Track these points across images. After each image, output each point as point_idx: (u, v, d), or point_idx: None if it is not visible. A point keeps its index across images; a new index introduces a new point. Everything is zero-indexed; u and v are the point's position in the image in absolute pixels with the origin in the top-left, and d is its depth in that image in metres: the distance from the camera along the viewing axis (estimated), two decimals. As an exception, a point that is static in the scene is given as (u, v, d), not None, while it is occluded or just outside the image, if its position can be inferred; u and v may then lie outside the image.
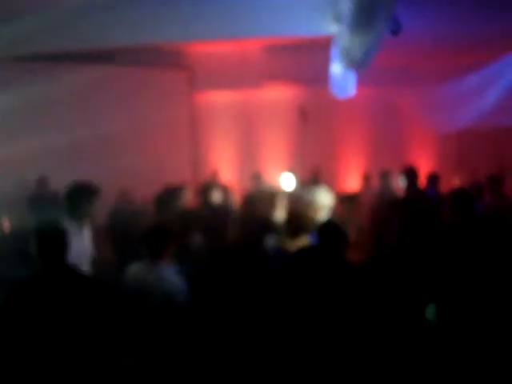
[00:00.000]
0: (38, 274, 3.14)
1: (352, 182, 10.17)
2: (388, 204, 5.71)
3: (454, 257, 3.94)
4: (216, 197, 5.98)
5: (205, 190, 6.03)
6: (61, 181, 7.30)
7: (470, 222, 4.47)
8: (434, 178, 7.04)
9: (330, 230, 3.56)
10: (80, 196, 4.27)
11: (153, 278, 3.70)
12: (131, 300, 3.76)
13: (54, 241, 3.18)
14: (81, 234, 4.23)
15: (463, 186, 6.75)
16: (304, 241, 4.02)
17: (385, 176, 7.63)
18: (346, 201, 5.73)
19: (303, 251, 3.68)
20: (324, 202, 4.60)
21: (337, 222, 3.86)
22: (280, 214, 4.70)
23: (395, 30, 5.31)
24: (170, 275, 3.74)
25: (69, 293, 3.10)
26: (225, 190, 6.65)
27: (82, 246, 4.14)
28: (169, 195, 5.48)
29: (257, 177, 8.41)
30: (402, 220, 4.58)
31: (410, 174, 5.93)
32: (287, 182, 8.48)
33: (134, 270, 3.85)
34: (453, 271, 3.75)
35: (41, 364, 2.99)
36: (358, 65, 6.05)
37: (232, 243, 4.48)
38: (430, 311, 3.32)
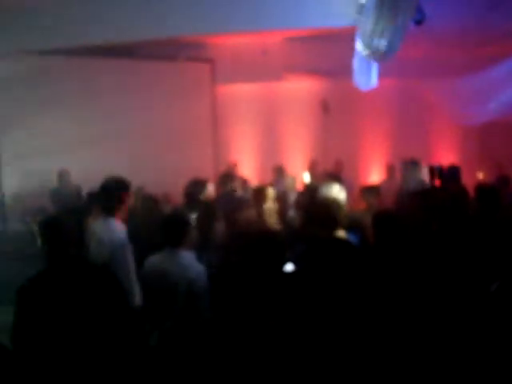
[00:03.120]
0: (46, 268, 3.15)
1: (375, 174, 10.11)
2: (411, 195, 5.65)
3: (477, 250, 3.90)
4: (234, 186, 6.05)
5: (223, 179, 6.10)
6: (81, 174, 7.49)
7: (495, 217, 4.42)
8: (455, 171, 6.95)
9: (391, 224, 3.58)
10: (114, 191, 4.29)
11: (174, 266, 3.73)
12: (153, 289, 3.79)
13: (57, 233, 3.18)
14: (113, 228, 4.23)
15: (488, 180, 6.68)
16: (340, 235, 4.00)
17: (406, 166, 7.54)
18: (367, 192, 5.72)
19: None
20: (340, 197, 4.58)
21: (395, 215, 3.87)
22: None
23: (419, 20, 5.24)
24: (191, 262, 3.78)
25: (77, 283, 3.10)
26: (243, 181, 6.71)
27: (112, 240, 4.14)
28: (196, 187, 5.53)
29: (279, 170, 8.41)
30: (425, 212, 4.54)
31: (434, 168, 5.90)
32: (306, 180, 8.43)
33: (154, 259, 3.88)
34: (477, 265, 3.71)
35: (60, 356, 3.01)
36: (381, 56, 5.98)
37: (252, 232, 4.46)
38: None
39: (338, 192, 4.63)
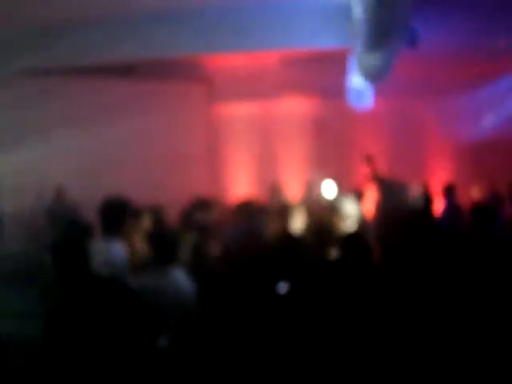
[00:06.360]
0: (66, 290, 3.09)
1: (370, 194, 10.11)
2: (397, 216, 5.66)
3: (473, 270, 3.90)
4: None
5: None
6: (75, 194, 7.46)
7: (490, 236, 4.43)
8: (450, 190, 6.99)
9: (354, 243, 3.54)
10: (114, 211, 4.25)
11: (167, 284, 3.72)
12: (147, 305, 3.78)
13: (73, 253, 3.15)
14: (114, 250, 4.19)
15: (482, 199, 6.70)
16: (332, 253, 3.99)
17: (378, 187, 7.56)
18: None
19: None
20: (350, 211, 4.55)
21: (361, 234, 3.83)
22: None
23: (413, 43, 5.29)
24: (183, 278, 3.77)
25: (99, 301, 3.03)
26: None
27: (113, 260, 4.10)
28: (195, 208, 5.47)
29: (274, 188, 8.41)
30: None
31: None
32: (329, 189, 8.31)
33: (145, 276, 3.85)
34: (472, 284, 3.72)
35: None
36: (375, 77, 6.06)
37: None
38: None
39: (349, 207, 4.60)
